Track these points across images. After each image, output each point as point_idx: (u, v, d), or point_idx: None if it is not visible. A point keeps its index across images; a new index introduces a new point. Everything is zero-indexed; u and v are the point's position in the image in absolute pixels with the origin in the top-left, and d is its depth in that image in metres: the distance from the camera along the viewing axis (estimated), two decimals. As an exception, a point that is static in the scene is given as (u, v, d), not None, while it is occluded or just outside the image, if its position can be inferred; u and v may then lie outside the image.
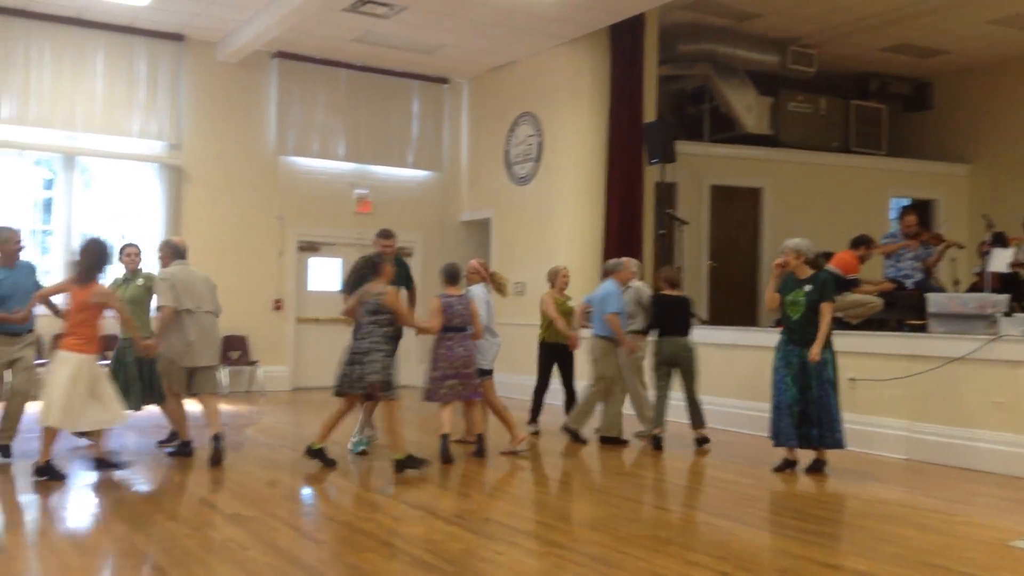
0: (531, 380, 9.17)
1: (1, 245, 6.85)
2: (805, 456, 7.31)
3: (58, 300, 6.76)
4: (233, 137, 13.01)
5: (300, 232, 13.47)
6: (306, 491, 6.67)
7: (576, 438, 8.69)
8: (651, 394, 8.62)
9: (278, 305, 13.23)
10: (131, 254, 7.91)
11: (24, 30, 11.62)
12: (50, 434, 6.30)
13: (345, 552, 4.87)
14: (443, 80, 14.41)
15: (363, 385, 6.86)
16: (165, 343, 7.21)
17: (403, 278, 7.99)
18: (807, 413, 7.07)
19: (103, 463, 6.76)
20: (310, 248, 13.62)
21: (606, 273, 8.89)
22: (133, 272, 7.88)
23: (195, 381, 7.39)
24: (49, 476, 6.31)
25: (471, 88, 14.40)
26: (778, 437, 7.21)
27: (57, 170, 12.08)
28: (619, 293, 8.55)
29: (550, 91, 12.66)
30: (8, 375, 6.98)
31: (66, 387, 6.16)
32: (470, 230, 14.40)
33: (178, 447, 7.50)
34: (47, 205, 12.12)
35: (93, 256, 6.44)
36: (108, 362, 7.61)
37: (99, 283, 6.51)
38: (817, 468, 7.23)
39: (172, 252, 7.52)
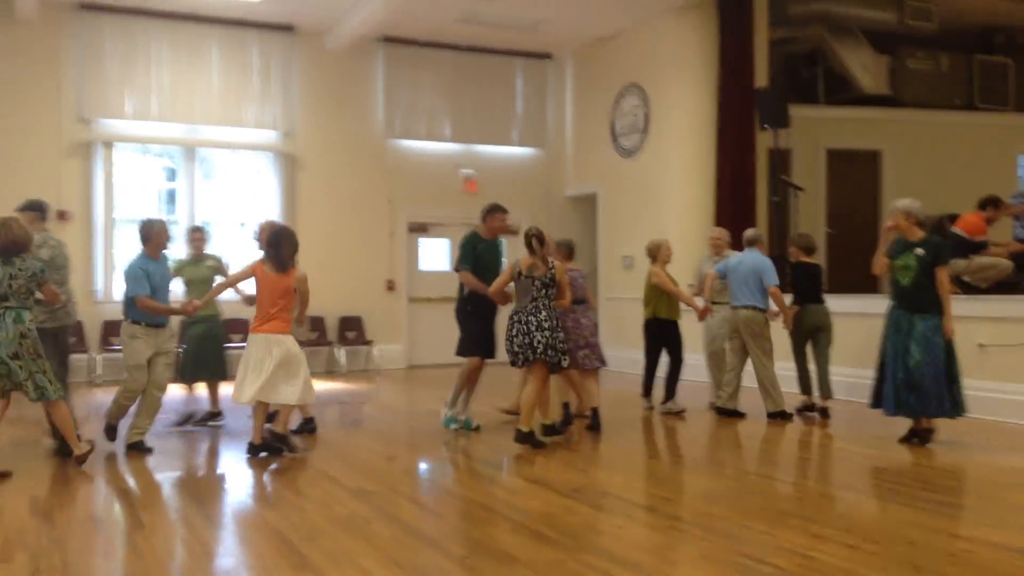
0: (640, 355, 9.02)
1: (153, 237, 6.96)
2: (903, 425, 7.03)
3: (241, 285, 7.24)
4: (343, 123, 13.28)
5: (409, 213, 13.67)
6: (424, 466, 6.80)
7: (735, 414, 8.41)
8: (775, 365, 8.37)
9: (391, 285, 13.48)
10: (198, 238, 8.23)
11: (144, 29, 12.11)
12: (262, 410, 6.69)
13: (466, 526, 4.94)
14: (546, 56, 14.34)
15: (554, 356, 6.89)
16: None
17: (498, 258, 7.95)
18: (912, 381, 6.72)
19: (276, 441, 6.78)
20: (420, 229, 13.81)
21: (749, 243, 8.50)
22: (200, 254, 8.16)
23: None
24: (269, 452, 6.68)
25: (574, 62, 14.28)
26: (879, 403, 6.94)
27: (178, 162, 12.58)
28: (771, 263, 8.33)
29: (656, 61, 12.44)
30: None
31: (275, 368, 6.54)
32: (576, 206, 14.34)
33: (301, 424, 7.73)
34: (170, 196, 12.64)
35: (292, 244, 6.83)
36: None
37: (297, 269, 6.83)
38: (922, 438, 6.91)
39: None
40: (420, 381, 11.90)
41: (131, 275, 6.81)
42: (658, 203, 12.34)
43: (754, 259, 8.30)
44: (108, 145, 12.04)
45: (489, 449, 7.03)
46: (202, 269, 8.01)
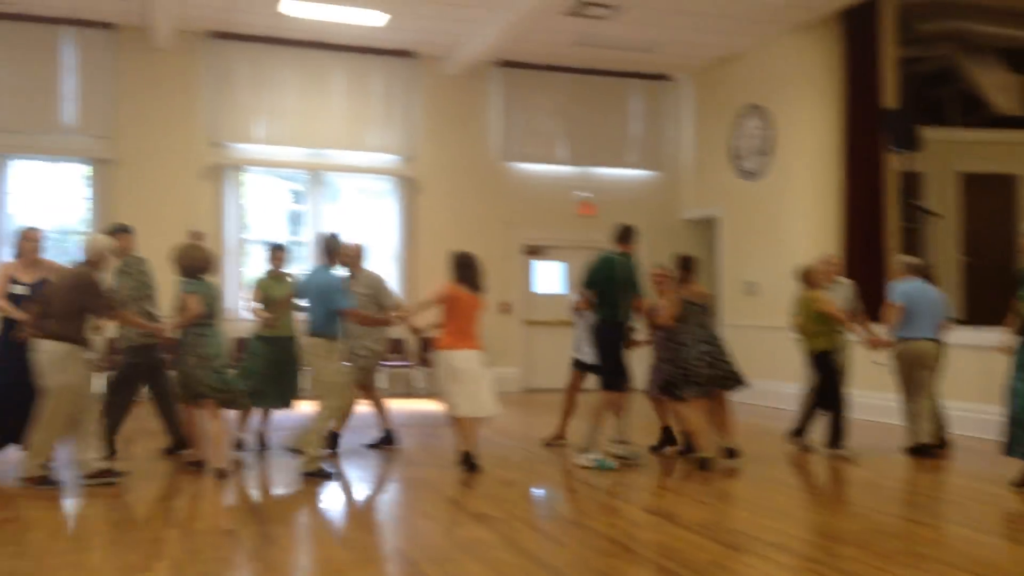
0: (770, 385, 8.73)
1: (334, 250, 7.13)
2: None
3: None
4: (461, 146, 13.46)
5: (525, 236, 13.71)
6: (542, 492, 6.75)
7: (936, 448, 7.93)
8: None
9: (505, 308, 13.53)
10: (280, 256, 8.26)
11: (272, 56, 12.56)
12: (468, 425, 7.03)
13: (590, 556, 4.86)
14: (664, 77, 14.23)
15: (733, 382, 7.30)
16: (370, 340, 7.76)
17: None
18: None
19: (468, 459, 7.01)
20: (534, 251, 13.84)
21: (916, 271, 8.09)
22: (279, 272, 8.17)
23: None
24: (468, 466, 6.96)
25: (693, 83, 14.12)
26: (1008, 447, 6.53)
27: (304, 184, 12.97)
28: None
29: (779, 81, 12.18)
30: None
31: (479, 381, 6.95)
32: (695, 229, 14.12)
33: (381, 439, 7.94)
34: (296, 217, 13.03)
35: (480, 266, 7.28)
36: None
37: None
38: None
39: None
40: (535, 405, 11.86)
41: (339, 288, 6.92)
42: (782, 227, 12.03)
43: (935, 291, 8.03)
44: (238, 168, 12.52)
45: (611, 479, 6.93)
46: (284, 287, 7.97)
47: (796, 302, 8.18)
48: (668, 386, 7.31)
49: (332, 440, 7.68)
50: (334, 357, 6.79)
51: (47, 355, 6.05)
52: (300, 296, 7.10)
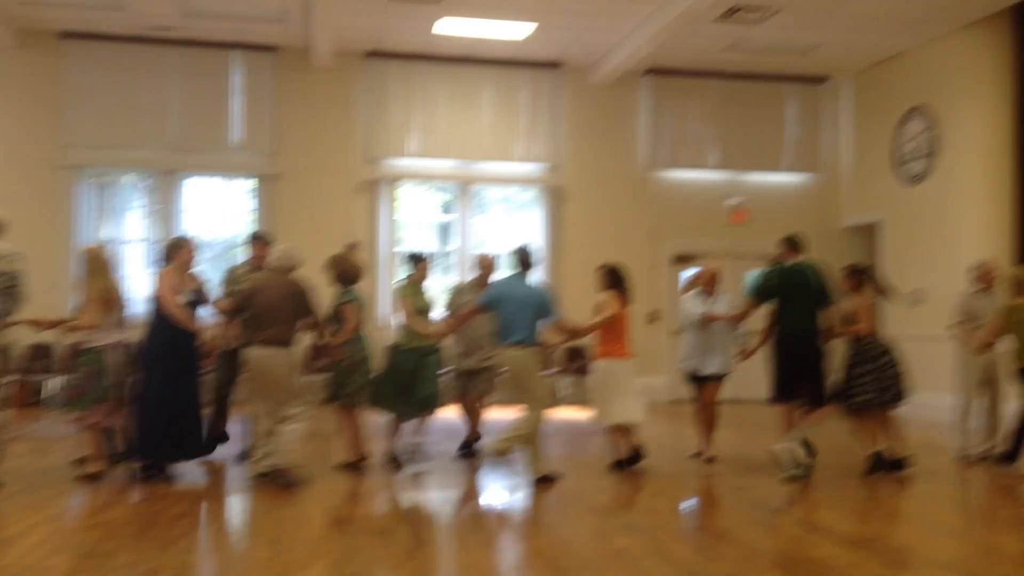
0: (933, 398, 8.27)
1: (532, 261, 7.24)
2: None
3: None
4: (607, 155, 13.44)
5: (672, 245, 13.53)
6: (692, 504, 6.62)
7: None
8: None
9: (654, 318, 13.34)
10: (424, 268, 8.12)
11: (424, 72, 12.91)
12: (623, 432, 7.26)
13: (743, 571, 4.72)
14: (820, 79, 13.77)
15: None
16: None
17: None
18: None
19: (634, 457, 7.34)
20: (683, 260, 13.62)
21: None
22: (423, 283, 8.04)
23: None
24: (627, 464, 7.27)
25: (852, 85, 13.59)
26: None
27: (454, 196, 13.25)
28: None
29: (945, 81, 11.56)
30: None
31: (630, 390, 7.16)
32: (854, 235, 13.56)
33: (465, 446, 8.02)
34: (446, 228, 13.33)
35: (629, 277, 7.52)
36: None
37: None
38: None
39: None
40: (684, 416, 11.65)
41: (548, 298, 7.03)
42: (949, 232, 11.41)
43: None
44: (392, 182, 12.92)
45: (764, 491, 6.73)
46: (427, 297, 7.96)
47: (1005, 311, 7.56)
48: (853, 396, 7.05)
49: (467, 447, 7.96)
50: (540, 367, 6.95)
51: (268, 361, 6.44)
52: (494, 306, 6.91)
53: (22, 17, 11.56)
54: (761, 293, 7.50)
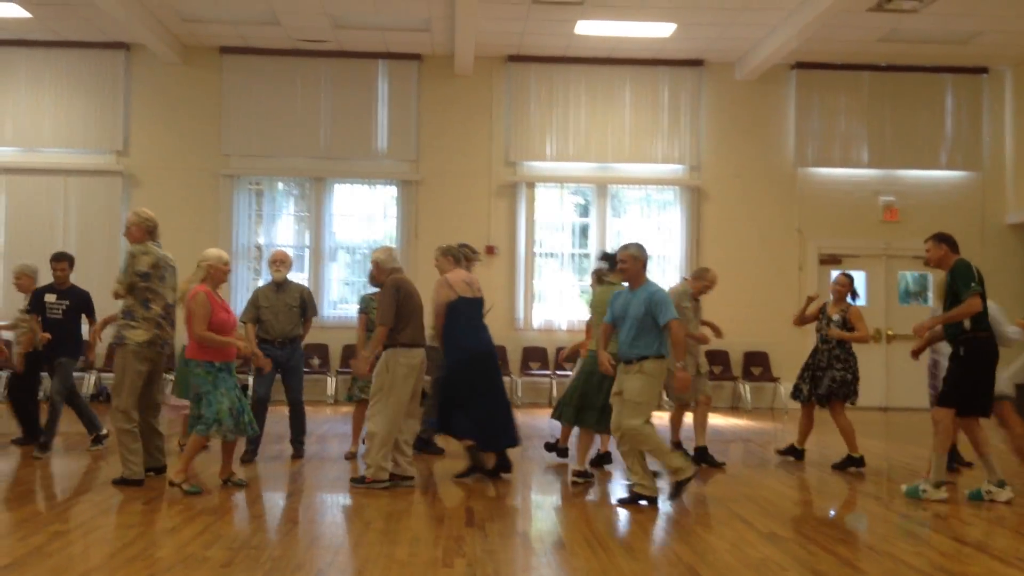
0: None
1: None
2: None
3: None
4: (751, 153, 13.12)
5: (821, 244, 13.08)
6: (839, 514, 6.37)
7: None
8: None
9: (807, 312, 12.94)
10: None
11: (563, 75, 12.97)
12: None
13: (894, 588, 4.51)
14: (981, 70, 13.01)
15: None
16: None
17: None
18: None
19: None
20: (832, 260, 13.15)
21: None
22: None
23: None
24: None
25: (1014, 75, 12.78)
26: None
27: (591, 198, 13.23)
28: None
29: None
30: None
31: None
32: (1018, 234, 12.75)
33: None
34: (582, 230, 13.32)
35: None
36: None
37: None
38: None
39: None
40: (830, 423, 11.23)
41: (669, 300, 6.42)
42: None
43: None
44: (530, 185, 13.02)
45: (913, 503, 6.40)
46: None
47: None
48: None
49: (602, 458, 7.80)
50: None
51: (410, 362, 6.59)
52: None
53: (186, 35, 12.30)
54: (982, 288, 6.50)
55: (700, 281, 8.05)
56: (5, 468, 7.26)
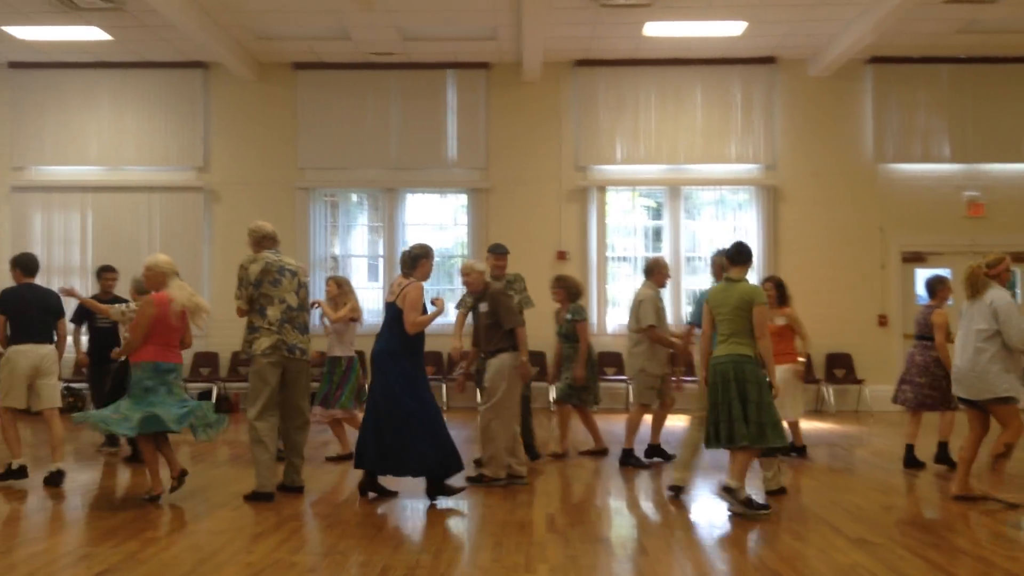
0: None
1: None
2: None
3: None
4: (827, 150, 12.86)
5: (903, 242, 12.74)
6: (929, 518, 6.18)
7: None
8: None
9: (883, 321, 12.65)
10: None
11: (633, 77, 12.89)
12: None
13: (992, 594, 4.36)
14: (1069, 57, 12.54)
15: None
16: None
17: None
18: None
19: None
20: (915, 259, 12.80)
21: None
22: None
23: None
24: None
25: (1106, 61, 12.29)
26: None
27: (663, 201, 13.11)
28: None
29: None
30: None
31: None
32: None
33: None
34: (655, 233, 13.21)
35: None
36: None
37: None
38: None
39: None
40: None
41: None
42: None
43: None
44: (601, 189, 12.97)
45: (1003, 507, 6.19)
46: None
47: None
48: None
49: (653, 452, 8.11)
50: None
51: (505, 367, 6.78)
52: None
53: (261, 52, 12.58)
54: None
55: (661, 275, 8.04)
56: (95, 476, 7.50)
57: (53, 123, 13.14)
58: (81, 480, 7.32)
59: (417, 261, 6.63)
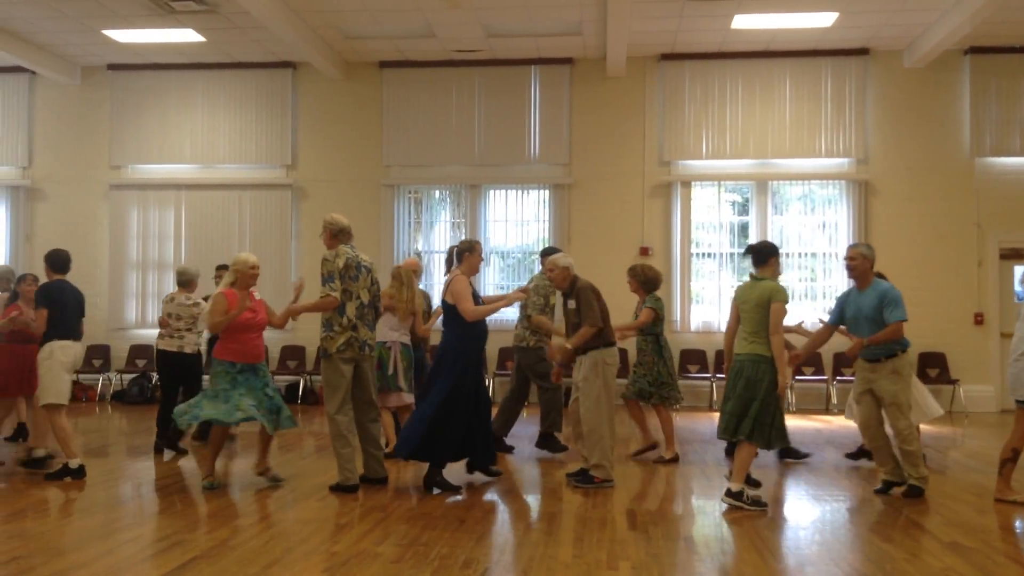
0: None
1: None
2: None
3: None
4: (922, 144, 12.46)
5: (1001, 238, 12.27)
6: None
7: None
8: None
9: (979, 319, 12.20)
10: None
11: (719, 70, 12.70)
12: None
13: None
14: None
15: None
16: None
17: None
18: None
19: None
20: (1014, 255, 12.31)
21: None
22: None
23: None
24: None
25: None
26: None
27: (750, 196, 12.88)
28: None
29: None
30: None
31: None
32: None
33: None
34: (742, 229, 12.99)
35: None
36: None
37: None
38: None
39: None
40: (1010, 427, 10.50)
41: (900, 299, 6.49)
42: None
43: None
44: (686, 184, 12.82)
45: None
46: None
47: None
48: None
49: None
50: None
51: (598, 365, 6.77)
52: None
53: (348, 51, 12.80)
54: None
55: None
56: (186, 465, 7.75)
57: (149, 123, 13.61)
58: (173, 470, 7.57)
59: (462, 256, 6.78)
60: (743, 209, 13.08)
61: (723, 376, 11.88)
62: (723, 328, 12.46)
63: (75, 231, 13.48)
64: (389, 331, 7.86)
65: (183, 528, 5.45)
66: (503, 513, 6.07)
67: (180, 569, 4.55)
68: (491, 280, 13.31)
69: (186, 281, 8.52)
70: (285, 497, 6.35)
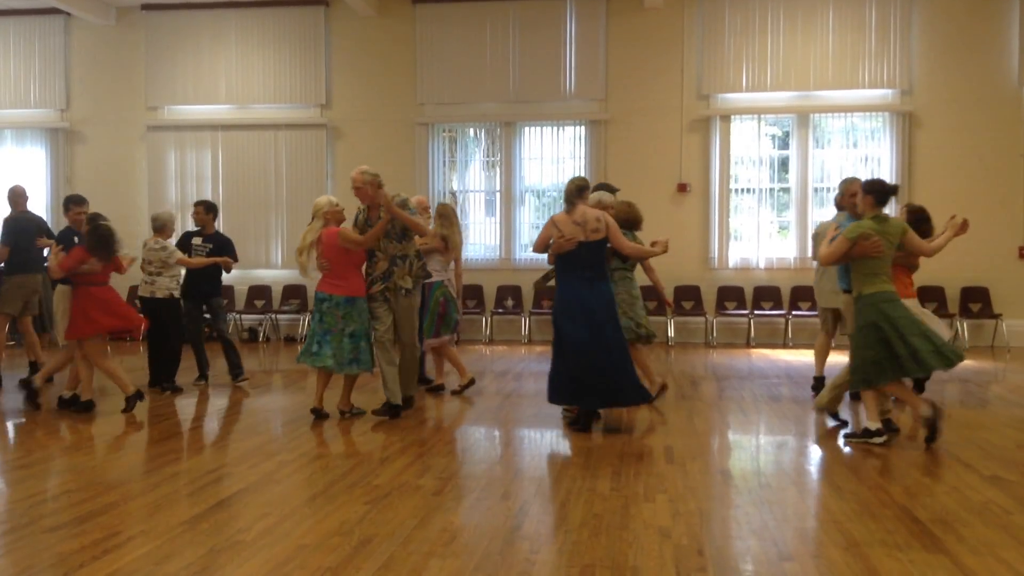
0: None
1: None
2: None
3: None
4: (969, 72, 12.13)
5: (1053, 170, 11.97)
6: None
7: None
8: None
9: (1023, 253, 11.99)
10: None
11: (759, 1, 12.37)
12: None
13: None
14: None
15: None
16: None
17: None
18: None
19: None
20: (1064, 188, 12.02)
21: None
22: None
23: None
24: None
25: None
26: None
27: (790, 129, 12.64)
28: None
29: None
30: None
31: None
32: None
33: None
34: (782, 163, 12.78)
35: None
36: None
37: None
38: None
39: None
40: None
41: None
42: None
43: None
44: (725, 119, 12.61)
45: None
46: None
47: None
48: None
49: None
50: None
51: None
52: None
53: (380, -13, 12.64)
54: None
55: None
56: (224, 403, 7.90)
57: (184, 64, 13.62)
58: (218, 404, 7.73)
59: (583, 192, 6.53)
60: (783, 143, 12.86)
61: (761, 312, 11.85)
62: (761, 265, 12.44)
63: (113, 172, 13.62)
64: (436, 271, 7.83)
65: (230, 462, 5.58)
66: (541, 448, 6.13)
67: (227, 500, 4.67)
68: (526, 219, 13.27)
69: (159, 227, 8.41)
70: (328, 432, 6.46)
